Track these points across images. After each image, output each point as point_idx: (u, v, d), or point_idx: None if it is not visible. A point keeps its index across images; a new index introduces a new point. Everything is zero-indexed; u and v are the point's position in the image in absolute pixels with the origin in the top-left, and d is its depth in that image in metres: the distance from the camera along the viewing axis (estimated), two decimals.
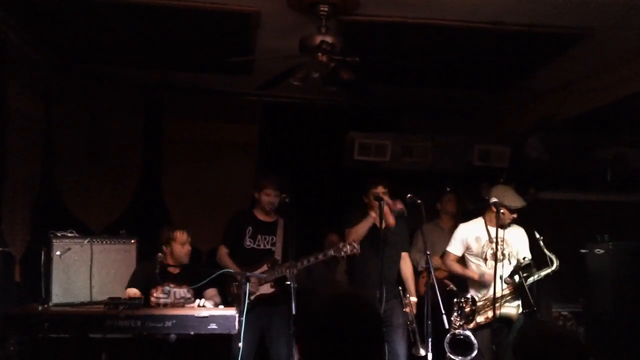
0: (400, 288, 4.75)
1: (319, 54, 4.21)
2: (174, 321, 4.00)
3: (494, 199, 4.51)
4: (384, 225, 4.57)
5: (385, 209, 4.59)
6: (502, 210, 4.44)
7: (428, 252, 4.26)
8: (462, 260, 4.93)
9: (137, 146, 6.47)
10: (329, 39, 4.18)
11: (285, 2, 4.29)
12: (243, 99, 6.59)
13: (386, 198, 4.66)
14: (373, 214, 4.77)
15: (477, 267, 4.78)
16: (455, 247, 4.84)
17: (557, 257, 4.49)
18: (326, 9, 4.22)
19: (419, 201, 4.36)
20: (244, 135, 6.68)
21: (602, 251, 4.81)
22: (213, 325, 4.10)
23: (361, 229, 4.78)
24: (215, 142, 6.60)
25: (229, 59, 4.79)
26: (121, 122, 6.39)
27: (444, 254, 4.94)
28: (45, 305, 4.41)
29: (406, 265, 4.99)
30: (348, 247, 4.56)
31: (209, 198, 6.46)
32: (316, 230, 6.15)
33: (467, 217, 5.29)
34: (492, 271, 4.48)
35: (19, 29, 4.88)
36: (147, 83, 6.32)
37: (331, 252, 4.65)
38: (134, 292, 4.45)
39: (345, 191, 6.33)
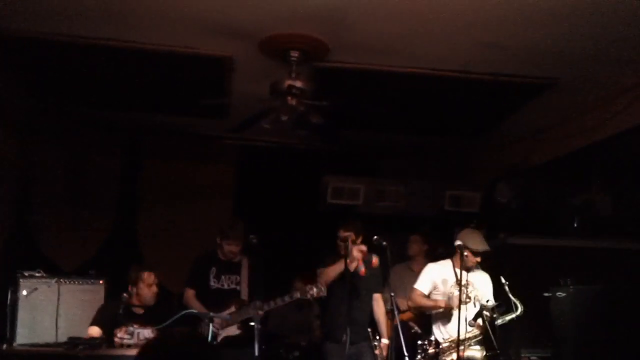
0: (369, 330, 4.72)
1: (289, 98, 4.32)
2: None
3: (458, 242, 4.57)
4: (352, 266, 4.60)
5: (358, 255, 4.63)
6: (465, 253, 4.49)
7: (392, 294, 4.27)
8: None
9: (113, 187, 6.53)
10: (297, 84, 4.29)
11: (257, 48, 4.41)
12: (220, 142, 6.68)
13: (351, 242, 4.68)
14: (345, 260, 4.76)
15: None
16: (422, 285, 4.85)
17: (522, 303, 4.51)
18: (297, 54, 4.35)
19: (384, 243, 4.39)
20: (220, 177, 6.77)
21: (563, 294, 4.85)
22: None
23: (332, 272, 4.77)
24: (191, 184, 6.67)
25: (203, 101, 4.90)
26: (97, 162, 6.47)
27: (410, 291, 4.94)
28: (9, 346, 4.36)
29: (379, 307, 4.94)
30: (315, 289, 4.54)
31: (184, 240, 6.45)
32: (289, 272, 6.15)
33: (438, 260, 5.32)
34: (457, 294, 4.49)
35: None
36: (125, 124, 6.40)
37: (297, 295, 4.63)
38: (95, 331, 4.40)
39: (319, 234, 6.40)
